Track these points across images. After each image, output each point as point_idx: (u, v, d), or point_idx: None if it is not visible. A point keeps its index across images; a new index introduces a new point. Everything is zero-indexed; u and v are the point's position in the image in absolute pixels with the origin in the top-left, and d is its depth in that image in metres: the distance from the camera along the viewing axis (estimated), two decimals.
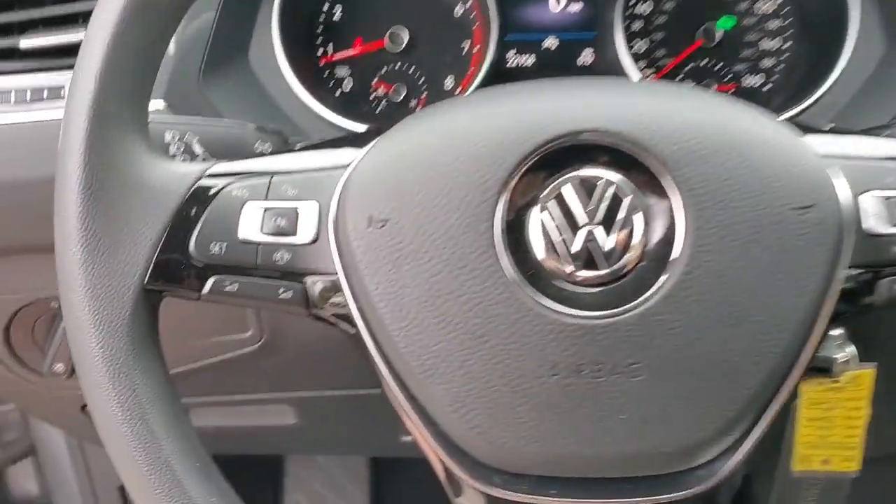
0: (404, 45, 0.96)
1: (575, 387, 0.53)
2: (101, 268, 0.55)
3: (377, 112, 0.96)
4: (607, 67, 0.96)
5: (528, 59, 0.98)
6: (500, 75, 0.96)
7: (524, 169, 0.54)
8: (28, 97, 0.81)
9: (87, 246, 0.55)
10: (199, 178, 0.58)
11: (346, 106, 0.94)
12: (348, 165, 0.58)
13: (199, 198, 0.58)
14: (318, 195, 0.57)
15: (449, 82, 0.97)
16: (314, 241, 0.56)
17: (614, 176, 0.55)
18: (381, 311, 0.55)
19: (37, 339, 0.97)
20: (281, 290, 0.58)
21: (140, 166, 0.57)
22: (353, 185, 0.57)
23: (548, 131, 0.55)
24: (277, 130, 0.74)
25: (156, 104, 0.81)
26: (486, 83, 0.94)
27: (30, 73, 0.83)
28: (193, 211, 0.58)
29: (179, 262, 0.57)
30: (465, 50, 0.97)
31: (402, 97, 0.97)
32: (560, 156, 0.55)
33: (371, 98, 0.97)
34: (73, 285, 0.55)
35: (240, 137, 0.71)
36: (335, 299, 0.58)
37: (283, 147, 0.73)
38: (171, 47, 0.83)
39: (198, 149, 0.70)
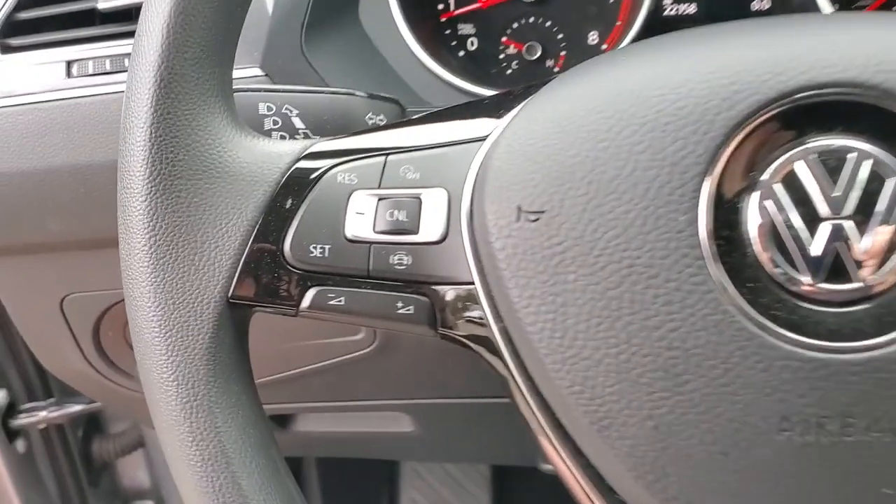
0: None
1: (815, 448, 0.38)
2: (174, 278, 0.43)
3: (507, 74, 0.84)
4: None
5: (690, 7, 0.81)
6: (656, 28, 0.79)
7: (739, 139, 0.39)
8: (108, 66, 0.70)
9: (156, 250, 0.43)
10: (297, 161, 0.46)
11: (470, 68, 0.83)
12: (485, 139, 0.45)
13: (296, 185, 0.46)
14: (446, 179, 0.45)
15: (592, 37, 0.83)
16: (442, 239, 0.45)
17: (870, 148, 0.39)
18: (534, 335, 0.41)
19: (129, 339, 0.87)
20: (400, 305, 0.45)
21: (222, 146, 0.45)
22: (494, 165, 0.43)
23: (770, 87, 0.39)
24: (392, 99, 0.61)
25: (251, 72, 0.69)
26: (640, 37, 0.78)
27: (110, 39, 0.72)
28: (289, 203, 0.45)
29: (272, 270, 0.45)
30: None
31: (536, 56, 0.83)
32: (789, 120, 0.40)
33: (500, 58, 0.84)
34: (139, 301, 0.44)
35: (348, 108, 0.59)
36: (471, 314, 0.44)
37: (400, 118, 0.60)
38: (268, 4, 0.70)
39: (298, 123, 0.57)
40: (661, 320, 0.39)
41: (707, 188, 0.39)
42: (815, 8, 0.74)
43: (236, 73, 0.68)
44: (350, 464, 1.39)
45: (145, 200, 0.43)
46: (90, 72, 0.71)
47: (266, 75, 0.69)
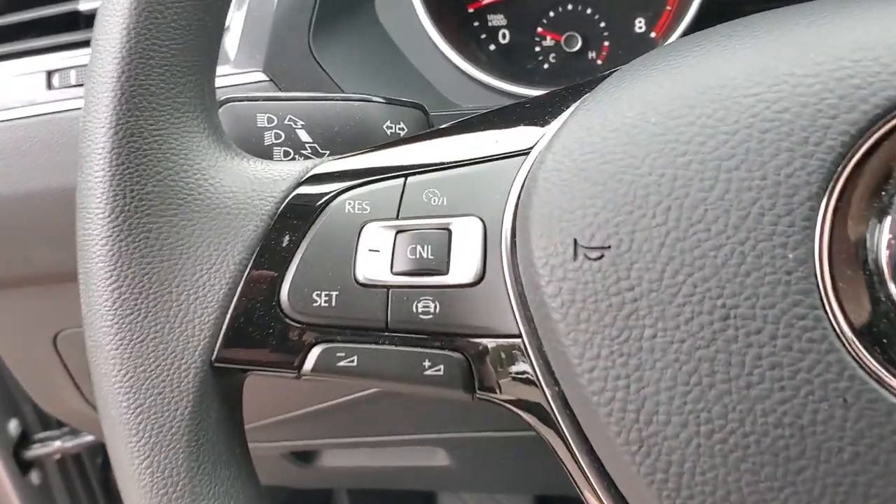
0: None
1: None
2: (144, 339, 0.35)
3: (545, 69, 0.76)
4: None
5: None
6: (712, 12, 0.70)
7: (864, 150, 0.30)
8: None
9: (120, 305, 0.35)
10: (296, 186, 0.38)
11: (503, 64, 0.75)
12: (528, 153, 0.37)
13: (295, 217, 0.38)
14: (480, 206, 0.37)
15: (639, 25, 0.76)
16: (477, 281, 0.36)
17: None
18: (601, 407, 0.32)
19: None
20: (427, 364, 0.37)
21: (201, 172, 0.36)
22: (541, 186, 0.34)
23: None
24: (414, 103, 0.53)
25: (253, 77, 0.61)
26: (696, 24, 0.70)
27: None
28: (286, 239, 0.37)
29: (266, 325, 0.37)
30: None
31: (576, 48, 0.76)
32: None
33: (536, 51, 0.76)
34: (102, 369, 0.35)
35: (362, 117, 0.51)
36: (516, 374, 0.35)
37: (424, 127, 0.51)
38: None
39: (304, 136, 0.49)
40: (767, 389, 0.30)
41: (823, 215, 0.30)
42: None
43: (237, 80, 0.61)
44: (385, 491, 1.32)
45: (106, 244, 0.35)
46: (72, 82, 0.64)
47: (271, 80, 0.61)
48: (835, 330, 0.30)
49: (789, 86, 0.31)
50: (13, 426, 1.13)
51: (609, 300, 0.32)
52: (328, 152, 0.48)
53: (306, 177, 0.38)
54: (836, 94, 0.30)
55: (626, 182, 0.32)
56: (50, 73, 0.64)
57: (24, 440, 1.15)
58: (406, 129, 0.51)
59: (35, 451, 1.14)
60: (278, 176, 0.38)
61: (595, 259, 0.32)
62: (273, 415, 0.81)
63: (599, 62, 0.75)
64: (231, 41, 0.61)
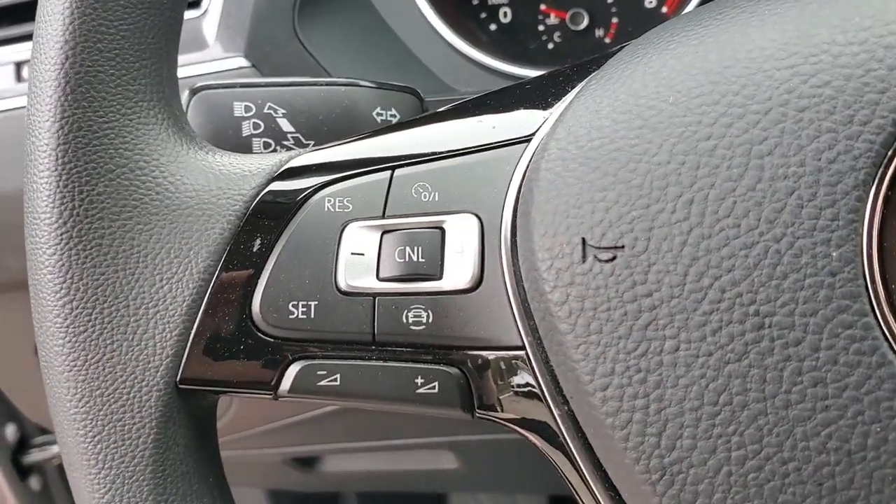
0: None
1: None
2: (99, 359, 0.31)
3: (549, 49, 0.73)
4: None
5: None
6: None
7: None
8: None
9: (72, 321, 0.31)
10: (269, 182, 0.34)
11: (504, 44, 0.73)
12: (529, 140, 0.33)
13: (268, 217, 0.34)
14: (477, 201, 0.33)
15: (650, 0, 0.72)
16: (474, 287, 0.33)
17: None
18: (616, 430, 0.29)
19: None
20: (420, 381, 0.33)
21: (159, 169, 0.33)
22: (544, 178, 0.31)
23: None
24: (407, 87, 0.49)
25: (234, 63, 0.58)
26: None
27: None
28: (258, 243, 0.33)
29: (236, 340, 0.33)
30: None
31: (582, 26, 0.72)
32: None
33: (539, 30, 0.73)
34: (56, 391, 0.32)
35: (350, 103, 0.48)
36: (520, 390, 0.32)
37: (417, 113, 0.47)
38: None
39: (285, 126, 0.45)
40: (809, 409, 0.26)
41: (872, 206, 0.26)
42: None
43: (216, 67, 0.57)
44: (394, 493, 1.30)
45: (55, 253, 0.31)
46: None
47: (253, 66, 0.57)
48: (887, 339, 0.26)
49: (830, 56, 0.27)
50: (10, 431, 1.11)
51: (623, 308, 0.28)
52: (312, 143, 0.45)
53: (280, 171, 0.34)
54: (886, 65, 0.26)
55: (642, 172, 0.28)
56: (19, 65, 0.60)
57: (23, 445, 1.13)
58: (398, 116, 0.48)
59: (34, 456, 1.12)
60: (248, 171, 0.34)
61: (607, 261, 0.28)
62: (275, 419, 0.78)
63: (608, 41, 0.72)
64: (209, 25, 0.57)
